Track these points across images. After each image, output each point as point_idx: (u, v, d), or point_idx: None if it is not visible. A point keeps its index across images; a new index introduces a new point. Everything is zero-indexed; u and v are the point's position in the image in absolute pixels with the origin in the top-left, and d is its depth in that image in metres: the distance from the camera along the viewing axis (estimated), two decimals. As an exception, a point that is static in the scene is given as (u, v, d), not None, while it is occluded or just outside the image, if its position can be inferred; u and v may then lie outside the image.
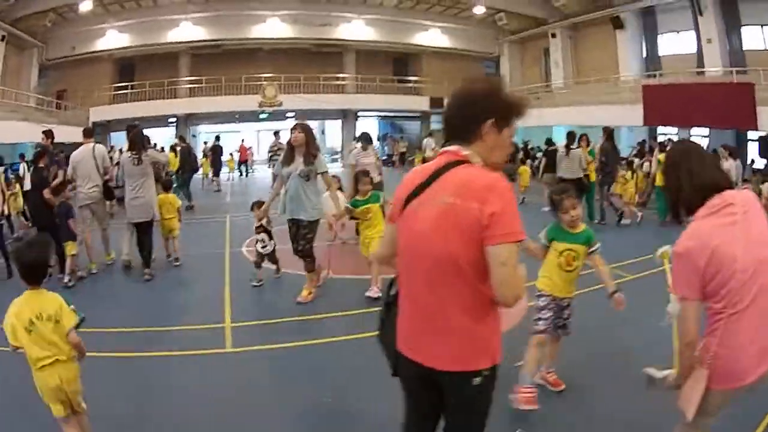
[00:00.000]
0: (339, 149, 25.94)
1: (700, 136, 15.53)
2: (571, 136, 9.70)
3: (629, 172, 10.57)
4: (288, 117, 22.99)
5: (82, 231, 6.48)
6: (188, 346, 4.47)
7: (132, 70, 23.01)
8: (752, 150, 15.29)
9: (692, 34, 17.29)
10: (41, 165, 6.72)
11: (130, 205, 6.52)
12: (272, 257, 6.16)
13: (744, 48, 16.15)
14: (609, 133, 9.74)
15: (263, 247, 6.03)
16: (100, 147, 6.94)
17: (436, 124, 25.62)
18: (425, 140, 19.91)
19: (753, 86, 12.57)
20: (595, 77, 19.56)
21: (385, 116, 26.93)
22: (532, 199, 11.44)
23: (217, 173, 17.22)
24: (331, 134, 27.70)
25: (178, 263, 7.13)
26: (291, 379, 3.94)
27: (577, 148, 9.48)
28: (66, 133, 17.38)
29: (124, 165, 6.52)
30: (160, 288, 6.29)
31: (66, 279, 6.03)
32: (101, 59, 22.07)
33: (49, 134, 7.43)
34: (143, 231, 6.50)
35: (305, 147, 5.22)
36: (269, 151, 14.85)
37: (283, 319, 5.13)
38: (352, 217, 5.86)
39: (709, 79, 15.03)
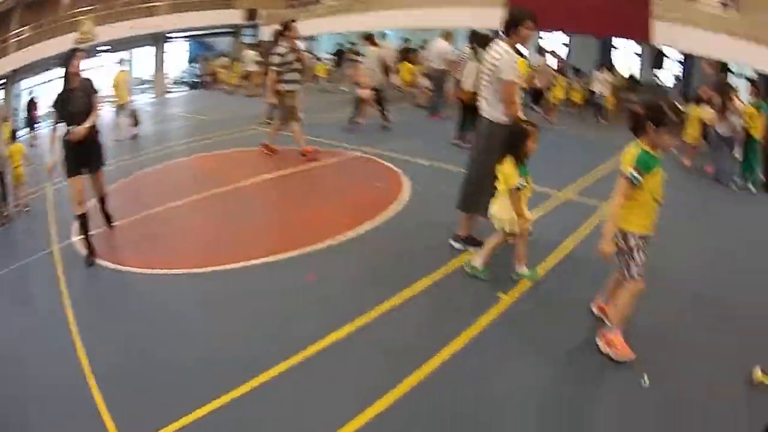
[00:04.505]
0: (149, 78, 23.88)
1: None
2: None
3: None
4: (100, 52, 20.43)
5: None
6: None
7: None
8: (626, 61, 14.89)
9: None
10: None
11: None
12: None
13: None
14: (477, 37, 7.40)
15: None
16: None
17: (249, 37, 24.94)
18: (245, 53, 18.94)
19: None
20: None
21: (194, 35, 24.95)
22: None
23: (32, 129, 15.32)
24: (143, 63, 24.69)
25: (27, 209, 7.28)
26: None
27: None
28: None
29: None
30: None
31: None
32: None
33: None
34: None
35: None
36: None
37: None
38: None
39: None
